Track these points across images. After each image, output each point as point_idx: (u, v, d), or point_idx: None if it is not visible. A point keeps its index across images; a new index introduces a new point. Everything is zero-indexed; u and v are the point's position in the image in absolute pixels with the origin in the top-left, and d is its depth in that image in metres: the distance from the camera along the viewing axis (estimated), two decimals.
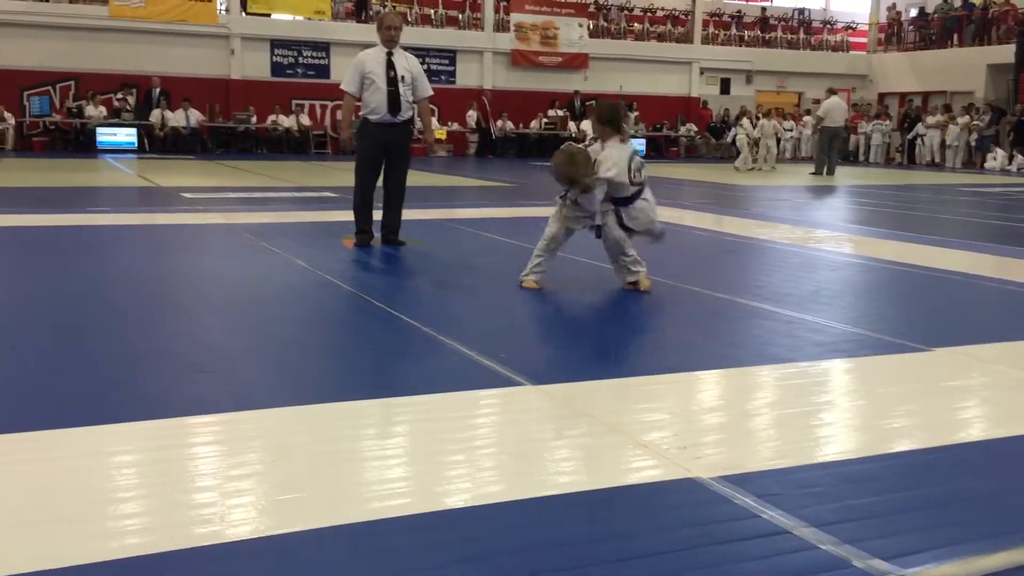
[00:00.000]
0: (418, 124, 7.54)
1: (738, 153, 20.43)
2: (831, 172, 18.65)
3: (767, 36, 29.11)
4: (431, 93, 7.22)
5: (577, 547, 2.16)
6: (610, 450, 2.82)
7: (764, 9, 30.12)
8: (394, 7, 24.45)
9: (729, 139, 21.82)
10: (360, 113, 7.10)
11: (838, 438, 3.02)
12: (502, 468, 2.67)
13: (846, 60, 29.58)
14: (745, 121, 20.86)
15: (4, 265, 5.99)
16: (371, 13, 24.15)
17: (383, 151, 6.96)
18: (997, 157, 22.99)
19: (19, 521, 2.22)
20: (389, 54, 6.90)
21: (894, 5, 29.21)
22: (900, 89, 28.06)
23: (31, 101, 21.07)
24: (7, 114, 20.40)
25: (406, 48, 7.10)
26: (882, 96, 28.68)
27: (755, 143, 20.41)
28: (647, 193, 5.37)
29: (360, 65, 6.88)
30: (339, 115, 7.49)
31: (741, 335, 4.48)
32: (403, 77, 6.87)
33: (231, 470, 2.59)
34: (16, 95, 20.82)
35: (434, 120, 23.96)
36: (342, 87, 7.02)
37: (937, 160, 24.32)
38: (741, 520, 2.33)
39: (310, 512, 2.31)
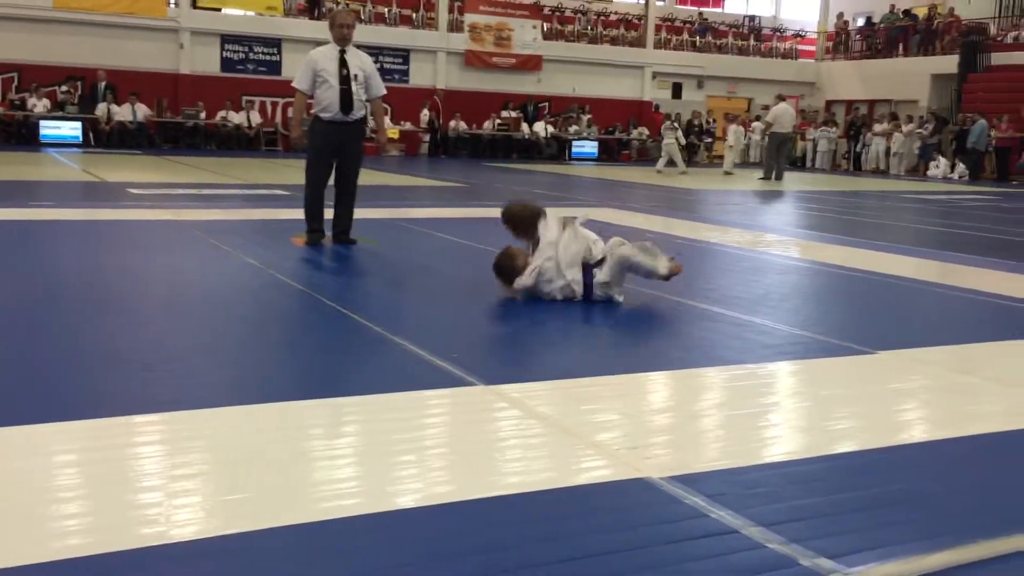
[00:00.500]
0: (371, 123, 7.49)
1: (661, 157, 20.62)
2: (779, 177, 18.94)
3: (718, 42, 29.45)
4: (384, 92, 7.17)
5: (527, 547, 2.17)
6: (561, 450, 2.83)
7: (702, 14, 30.45)
8: (347, 5, 24.29)
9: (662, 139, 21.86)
10: (312, 111, 7.00)
11: (784, 439, 3.07)
12: (453, 468, 2.66)
13: (795, 67, 30.04)
14: (676, 125, 21.11)
15: None
16: (324, 10, 23.94)
17: (335, 150, 6.88)
18: (940, 165, 23.51)
19: None
20: (342, 52, 6.82)
21: (842, 14, 29.73)
22: (847, 97, 28.57)
23: None
24: None
25: (359, 46, 7.07)
26: (829, 103, 29.18)
27: (683, 148, 20.69)
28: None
29: (312, 63, 6.80)
30: (290, 112, 7.29)
31: (691, 337, 4.53)
32: (356, 76, 6.80)
33: (177, 469, 2.55)
34: None
35: (387, 119, 23.90)
36: (293, 85, 6.94)
37: (882, 167, 24.81)
38: (690, 520, 2.35)
39: (258, 512, 2.28)
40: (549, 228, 5.11)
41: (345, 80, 6.76)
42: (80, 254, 6.42)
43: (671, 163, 20.27)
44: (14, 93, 20.84)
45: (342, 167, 6.97)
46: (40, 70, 20.90)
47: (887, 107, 26.72)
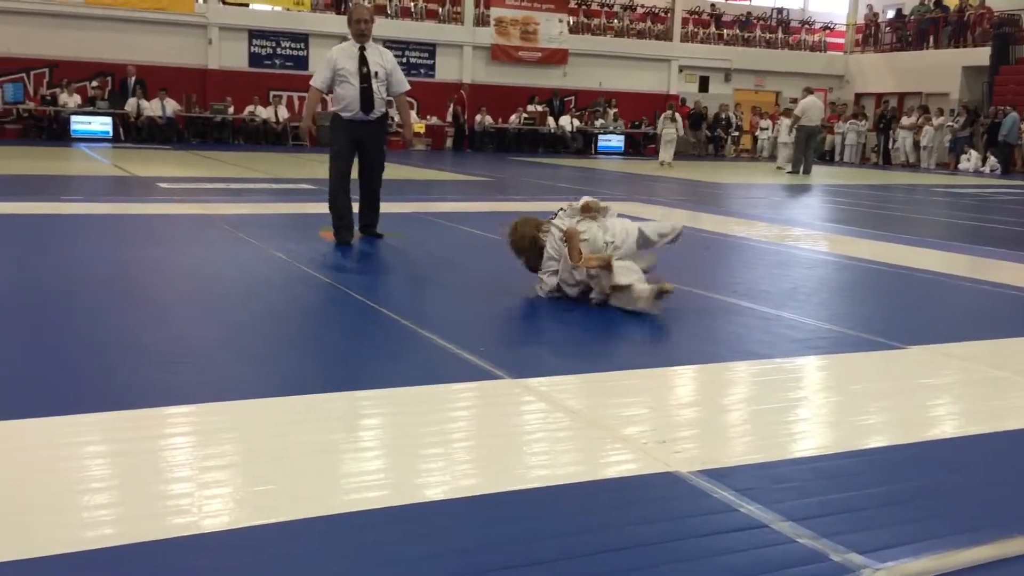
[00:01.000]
0: (397, 119, 7.50)
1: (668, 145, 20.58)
2: (807, 171, 18.79)
3: (746, 35, 29.23)
4: (408, 88, 7.10)
5: (555, 540, 2.16)
6: (589, 444, 2.82)
7: (748, 14, 30.23)
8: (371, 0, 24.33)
9: (659, 132, 21.67)
10: (333, 108, 6.95)
11: (814, 434, 3.04)
12: (480, 461, 2.66)
13: (823, 60, 29.77)
14: (678, 116, 20.93)
15: None
16: (350, 5, 24.01)
17: (356, 146, 6.83)
18: (971, 158, 23.23)
19: None
20: (362, 49, 6.74)
21: (871, 6, 29.41)
22: (876, 90, 28.28)
23: (4, 88, 20.80)
24: None
25: (385, 42, 7.06)
26: (858, 96, 28.90)
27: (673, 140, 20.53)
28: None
29: (332, 61, 6.74)
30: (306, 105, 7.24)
31: (718, 331, 4.50)
32: (376, 73, 6.71)
33: (207, 461, 2.56)
34: None
35: (413, 114, 23.94)
36: (311, 82, 6.92)
37: (911, 160, 24.54)
38: (719, 514, 2.34)
39: (286, 504, 2.29)
40: (553, 234, 5.03)
41: (365, 78, 6.68)
42: (110, 248, 6.49)
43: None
44: (45, 89, 21.08)
45: (365, 163, 6.92)
46: (71, 66, 21.12)
47: (917, 100, 26.43)
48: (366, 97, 6.68)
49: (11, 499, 2.26)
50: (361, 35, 6.74)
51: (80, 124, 20.52)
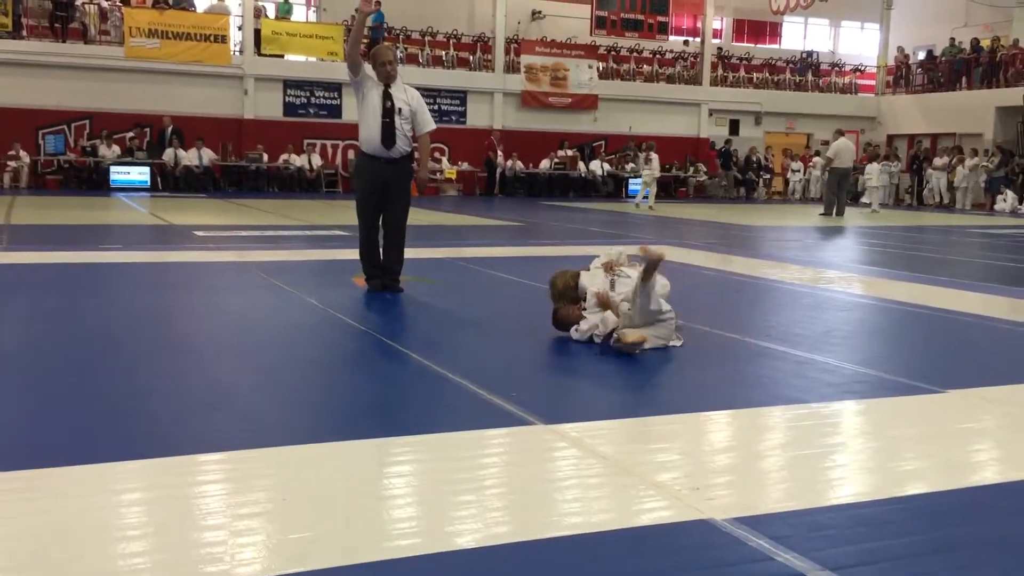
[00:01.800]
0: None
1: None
2: (840, 213, 18.67)
3: (776, 78, 29.30)
4: (433, 127, 6.94)
5: None
6: (621, 490, 2.80)
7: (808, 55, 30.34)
8: (405, 48, 24.75)
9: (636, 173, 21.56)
10: (359, 141, 6.82)
11: (851, 480, 3.00)
12: (512, 508, 2.65)
13: (854, 102, 29.74)
14: (654, 156, 20.66)
15: (18, 303, 6.02)
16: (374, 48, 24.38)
17: (381, 189, 6.67)
18: (1007, 199, 22.99)
19: (30, 560, 2.21)
20: (387, 86, 6.64)
21: (901, 48, 29.41)
22: (909, 131, 28.15)
23: (46, 140, 21.29)
24: (22, 152, 20.62)
25: (418, 88, 7.09)
26: (891, 138, 28.78)
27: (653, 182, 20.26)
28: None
29: (366, 78, 6.63)
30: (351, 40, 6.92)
31: (752, 375, 4.46)
32: (400, 110, 6.59)
33: (241, 508, 2.57)
34: (32, 134, 21.06)
35: (444, 160, 24.19)
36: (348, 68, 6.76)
37: (945, 201, 24.33)
38: (756, 562, 2.30)
39: (320, 551, 2.29)
40: (595, 278, 5.14)
41: (388, 113, 6.56)
42: (147, 295, 6.58)
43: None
44: (85, 140, 21.55)
45: (388, 208, 6.73)
46: (110, 117, 21.59)
47: (951, 140, 26.26)
48: (388, 132, 6.56)
49: (50, 548, 2.28)
50: (388, 77, 6.62)
51: (119, 174, 20.92)
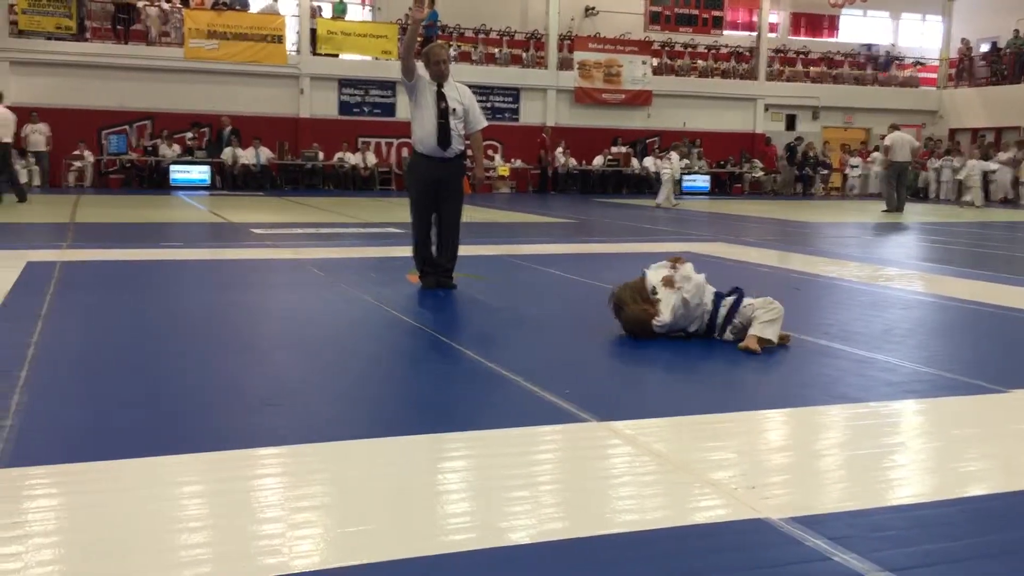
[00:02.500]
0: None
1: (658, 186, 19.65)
2: (899, 209, 18.29)
3: (834, 72, 28.82)
4: (484, 125, 6.94)
5: None
6: (676, 488, 2.78)
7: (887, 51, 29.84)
8: (459, 46, 24.84)
9: (653, 172, 20.92)
10: (412, 140, 6.84)
11: (911, 480, 2.94)
12: (566, 504, 2.65)
13: (915, 96, 29.14)
14: (673, 155, 20.17)
15: (83, 299, 6.17)
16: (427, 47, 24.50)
17: (435, 188, 6.68)
18: None
19: (96, 550, 2.27)
20: (440, 86, 6.67)
21: (965, 40, 28.73)
22: (971, 125, 27.51)
23: (109, 140, 21.80)
24: (87, 152, 21.13)
25: (470, 87, 7.10)
26: (953, 132, 28.15)
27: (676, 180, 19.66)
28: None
29: (420, 79, 6.64)
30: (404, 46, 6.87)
31: (809, 374, 4.40)
32: (454, 110, 6.62)
33: (298, 501, 2.61)
34: (95, 134, 21.57)
35: (497, 157, 24.23)
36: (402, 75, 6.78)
37: (1010, 197, 23.73)
38: (813, 562, 2.28)
39: (376, 545, 2.32)
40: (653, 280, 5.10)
41: (443, 114, 6.58)
42: (206, 292, 6.70)
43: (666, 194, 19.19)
44: (147, 140, 22.02)
45: (442, 206, 6.76)
46: (171, 117, 22.03)
47: (1015, 135, 25.59)
48: (443, 133, 6.59)
49: (114, 538, 2.34)
50: (440, 75, 6.64)
51: (179, 173, 21.34)
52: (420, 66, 6.74)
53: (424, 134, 6.63)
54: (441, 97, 6.62)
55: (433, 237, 6.87)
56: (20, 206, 14.63)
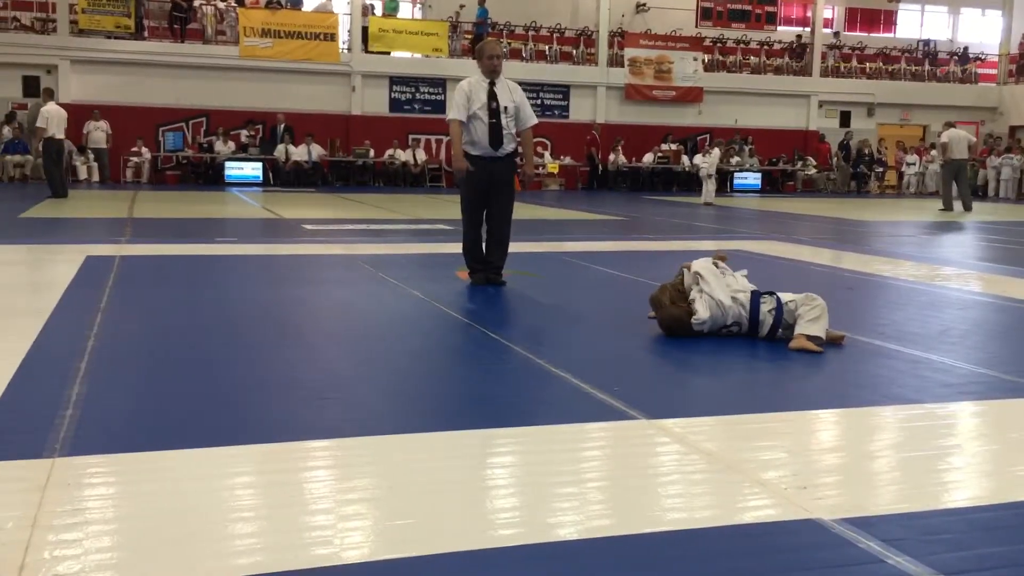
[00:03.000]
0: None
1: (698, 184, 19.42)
2: (967, 207, 17.80)
3: (890, 68, 28.31)
4: (535, 122, 6.97)
5: None
6: (725, 487, 2.76)
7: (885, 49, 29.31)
8: (509, 43, 24.85)
9: (695, 170, 20.57)
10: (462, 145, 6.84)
11: (967, 483, 2.89)
12: (614, 501, 2.65)
13: (974, 92, 28.51)
14: (715, 151, 19.89)
15: (141, 294, 6.30)
16: (480, 43, 24.55)
17: (486, 186, 6.72)
18: None
19: (153, 537, 2.32)
20: (491, 84, 6.67)
21: None
22: None
23: (165, 137, 22.21)
24: (144, 149, 21.55)
25: (520, 83, 7.11)
26: (1013, 129, 27.49)
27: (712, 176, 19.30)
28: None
29: (464, 93, 6.68)
30: (447, 147, 6.95)
31: (863, 374, 4.34)
32: (506, 108, 6.64)
33: (348, 493, 2.64)
34: (152, 131, 21.99)
35: (547, 154, 24.21)
36: (449, 117, 6.81)
37: None
38: (865, 564, 2.25)
39: (424, 538, 2.34)
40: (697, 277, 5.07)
41: (495, 114, 6.61)
42: (260, 286, 6.80)
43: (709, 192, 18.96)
44: (203, 137, 22.39)
45: (493, 204, 6.79)
46: (225, 115, 22.37)
47: None
48: (495, 133, 6.62)
49: (169, 525, 2.39)
50: (493, 71, 6.66)
51: (233, 169, 21.67)
52: (466, 84, 6.71)
53: (477, 134, 6.66)
54: (492, 96, 6.64)
55: (483, 234, 6.89)
56: (76, 202, 14.97)
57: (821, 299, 4.89)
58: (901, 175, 27.02)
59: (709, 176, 19.00)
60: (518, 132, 6.88)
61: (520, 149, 7.15)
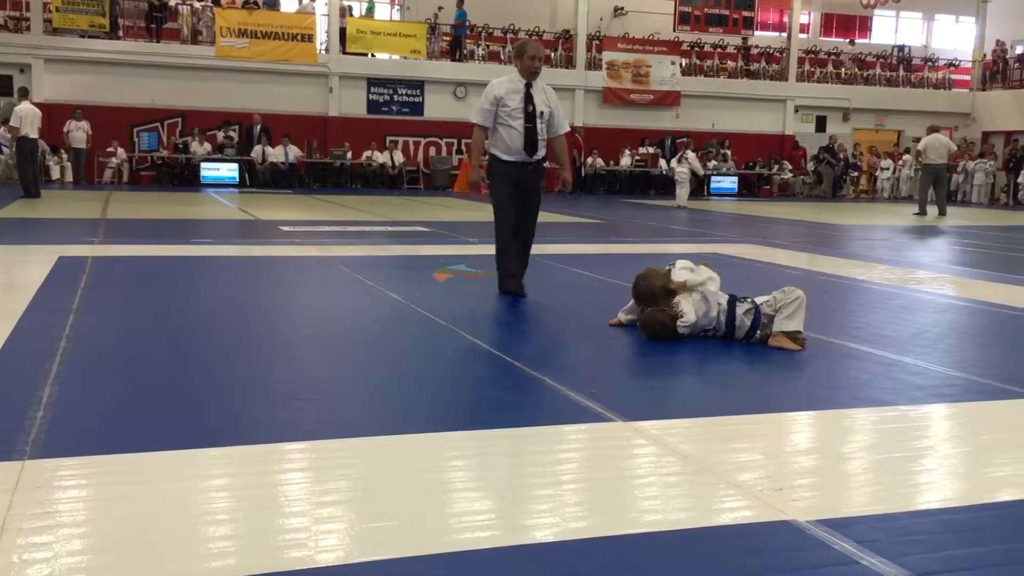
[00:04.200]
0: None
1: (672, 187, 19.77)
2: (942, 212, 17.94)
3: (865, 74, 28.57)
4: (568, 129, 6.65)
5: None
6: (701, 489, 2.77)
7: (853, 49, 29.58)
8: (487, 46, 24.87)
9: (671, 173, 20.97)
10: (489, 149, 6.50)
11: (940, 485, 2.91)
12: (590, 504, 2.64)
13: (948, 98, 28.83)
14: (691, 155, 20.26)
15: (113, 295, 6.24)
16: (464, 52, 24.58)
17: (520, 192, 6.40)
18: None
19: (125, 541, 2.29)
20: (528, 86, 6.30)
21: (1000, 41, 28.38)
22: (1005, 128, 27.19)
23: (140, 137, 22.04)
24: (120, 149, 21.37)
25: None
26: (986, 135, 27.83)
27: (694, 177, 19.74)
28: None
29: (494, 97, 6.27)
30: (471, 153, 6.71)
31: (838, 377, 4.37)
32: (542, 113, 6.30)
33: (323, 496, 2.63)
34: (127, 131, 21.81)
35: None
36: (472, 119, 6.42)
37: None
38: (839, 566, 2.26)
39: (400, 540, 2.32)
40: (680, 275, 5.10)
41: (530, 118, 6.24)
42: (235, 288, 6.75)
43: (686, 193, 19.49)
44: (178, 137, 22.23)
45: (521, 209, 6.46)
46: (201, 115, 22.24)
47: None
48: (530, 139, 6.27)
49: (142, 528, 2.36)
50: (533, 72, 6.29)
51: (209, 170, 21.54)
52: (496, 86, 6.36)
53: (510, 140, 6.29)
54: (528, 99, 6.29)
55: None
56: (49, 202, 14.82)
57: (799, 291, 4.92)
58: (874, 179, 27.27)
59: (682, 181, 19.15)
60: (550, 138, 6.55)
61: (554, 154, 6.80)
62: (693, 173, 20.11)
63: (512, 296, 6.36)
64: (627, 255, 9.61)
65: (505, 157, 6.35)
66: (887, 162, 26.73)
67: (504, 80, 6.39)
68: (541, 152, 6.42)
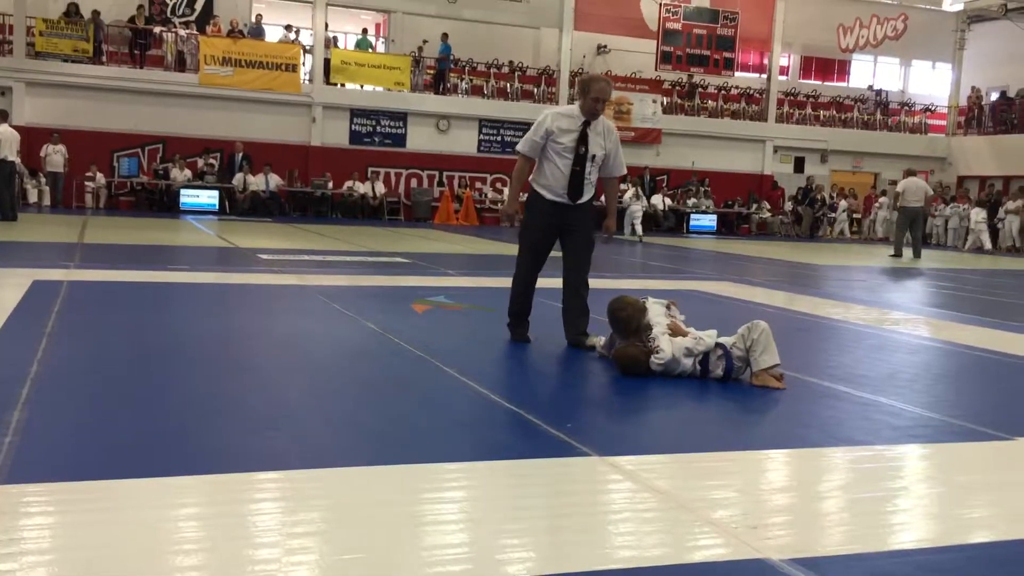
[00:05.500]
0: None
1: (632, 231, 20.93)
2: (916, 255, 18.09)
3: (843, 116, 28.97)
4: (624, 172, 6.10)
5: None
6: (676, 526, 2.76)
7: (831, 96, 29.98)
8: (471, 80, 25.02)
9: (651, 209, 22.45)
10: (531, 182, 5.97)
11: (914, 525, 2.92)
12: (564, 539, 2.63)
13: (924, 142, 29.25)
14: (640, 193, 21.62)
15: (88, 320, 6.18)
16: (448, 85, 24.73)
17: (556, 231, 5.89)
18: None
19: (90, 569, 2.25)
20: (586, 124, 5.73)
21: (975, 88, 28.88)
22: (980, 173, 27.59)
23: (120, 162, 21.95)
24: (99, 174, 21.27)
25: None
26: (961, 179, 28.22)
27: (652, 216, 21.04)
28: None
29: (547, 128, 5.73)
30: (506, 189, 6.37)
31: (813, 415, 4.38)
32: (594, 156, 5.73)
33: (295, 527, 2.59)
34: (107, 156, 21.73)
35: (507, 190, 24.30)
36: (518, 149, 5.93)
37: (1018, 245, 23.71)
38: None
39: (371, 573, 2.29)
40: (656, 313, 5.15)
41: (580, 160, 5.69)
42: (211, 315, 6.70)
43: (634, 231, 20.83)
44: (158, 163, 22.17)
45: (570, 254, 5.92)
46: (183, 142, 22.20)
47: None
48: (575, 182, 5.73)
49: (109, 558, 2.32)
50: (594, 114, 5.74)
51: (189, 197, 21.46)
52: (551, 117, 5.82)
53: (553, 179, 5.78)
54: (583, 140, 5.71)
55: (532, 290, 6.15)
56: (25, 225, 14.70)
57: (763, 322, 4.93)
58: (832, 220, 27.51)
59: (635, 220, 20.82)
60: (603, 178, 6.01)
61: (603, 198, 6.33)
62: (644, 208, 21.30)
63: (527, 342, 5.98)
64: (606, 290, 9.62)
65: (546, 195, 5.84)
66: (844, 202, 27.01)
67: (562, 112, 5.92)
68: (586, 196, 5.85)
